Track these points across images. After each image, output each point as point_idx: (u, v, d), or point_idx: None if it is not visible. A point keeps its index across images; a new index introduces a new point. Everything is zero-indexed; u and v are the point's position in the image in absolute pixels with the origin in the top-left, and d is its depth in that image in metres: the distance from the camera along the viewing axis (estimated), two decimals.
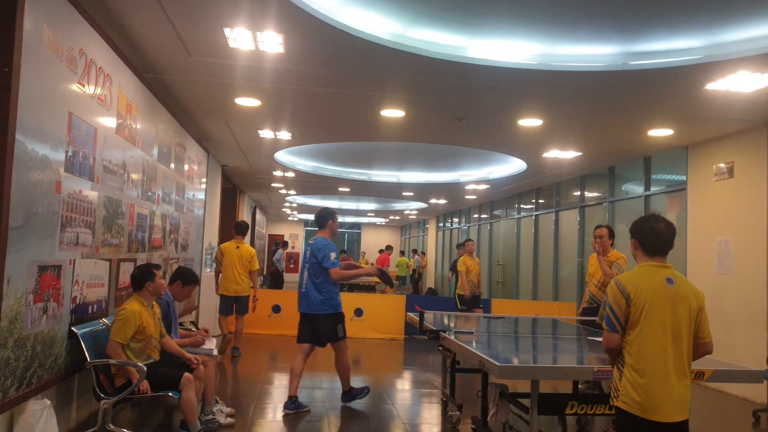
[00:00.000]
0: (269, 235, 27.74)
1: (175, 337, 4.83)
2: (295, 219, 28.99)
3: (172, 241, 6.83)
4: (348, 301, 10.21)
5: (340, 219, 28.30)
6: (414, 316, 5.75)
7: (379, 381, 6.94)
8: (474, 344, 4.11)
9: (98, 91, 4.29)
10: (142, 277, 4.35)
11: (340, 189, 14.77)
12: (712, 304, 6.47)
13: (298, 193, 16.67)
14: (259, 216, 21.41)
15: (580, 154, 8.96)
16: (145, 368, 3.92)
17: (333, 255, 5.31)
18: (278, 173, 12.26)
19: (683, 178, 8.27)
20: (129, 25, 4.60)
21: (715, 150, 7.61)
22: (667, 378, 2.73)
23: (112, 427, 3.90)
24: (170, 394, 4.06)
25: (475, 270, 9.65)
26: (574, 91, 5.82)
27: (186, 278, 4.98)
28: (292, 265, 26.54)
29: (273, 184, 14.25)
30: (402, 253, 25.63)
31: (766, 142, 6.75)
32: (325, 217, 5.61)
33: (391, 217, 25.22)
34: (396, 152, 10.49)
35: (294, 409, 5.22)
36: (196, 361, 4.38)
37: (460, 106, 6.51)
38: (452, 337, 4.41)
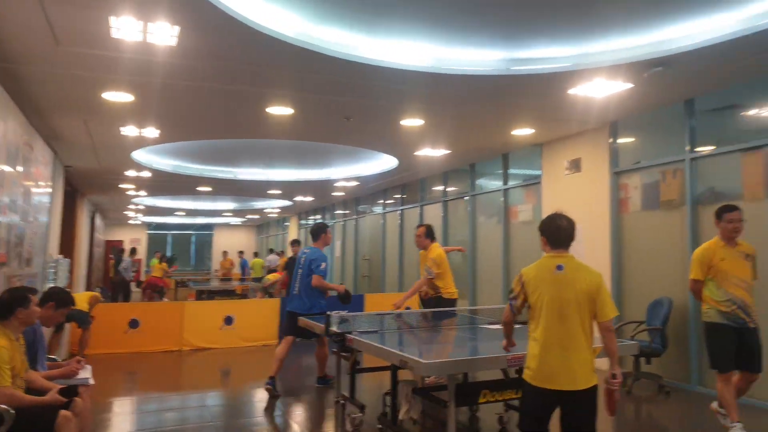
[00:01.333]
0: (106, 241, 25.27)
1: (41, 369, 4.13)
2: (138, 222, 26.81)
3: (16, 256, 5.91)
4: (216, 309, 9.78)
5: (192, 220, 26.60)
6: (308, 321, 5.69)
7: (263, 390, 6.72)
8: (387, 343, 4.15)
9: None
10: (13, 302, 3.64)
11: (199, 188, 13.97)
12: None
13: (149, 194, 15.46)
14: (97, 221, 19.46)
15: (449, 152, 9.45)
16: (14, 412, 3.28)
17: (323, 265, 6.34)
18: (131, 173, 11.26)
19: (538, 172, 9.10)
20: None
21: (565, 147, 8.48)
22: (554, 351, 3.10)
23: None
24: None
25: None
26: (459, 93, 6.12)
27: (60, 300, 4.33)
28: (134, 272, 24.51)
29: (122, 185, 13.05)
30: (255, 254, 24.91)
31: (607, 140, 7.69)
32: (318, 231, 6.64)
33: (249, 217, 24.44)
34: (265, 150, 10.19)
35: (274, 391, 6.16)
36: (60, 400, 3.68)
37: (349, 105, 6.52)
38: (361, 338, 4.41)
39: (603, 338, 3.22)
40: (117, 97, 5.93)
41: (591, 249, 7.85)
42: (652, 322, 6.51)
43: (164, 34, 4.35)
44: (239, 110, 6.69)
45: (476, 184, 10.85)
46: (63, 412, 3.49)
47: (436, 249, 6.61)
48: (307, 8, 4.54)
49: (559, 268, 3.18)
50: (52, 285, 7.46)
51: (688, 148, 6.61)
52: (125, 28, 4.23)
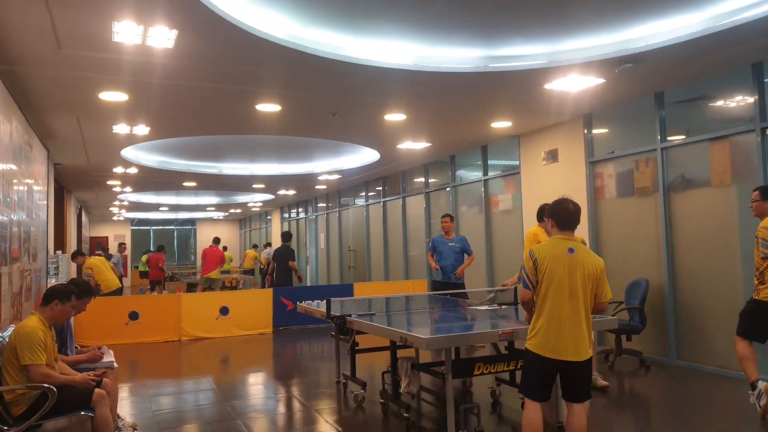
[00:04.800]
0: (90, 237, 25.22)
1: (70, 354, 4.56)
2: (122, 218, 26.77)
3: (26, 251, 6.14)
4: (212, 300, 10.04)
5: (174, 215, 26.40)
6: (308, 306, 5.99)
7: (267, 374, 7.02)
8: (388, 323, 4.47)
9: None
10: (54, 294, 4.02)
11: (185, 184, 14.13)
12: None
13: (135, 190, 15.57)
14: (83, 217, 19.48)
15: (429, 144, 9.76)
16: (56, 390, 3.61)
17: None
18: (119, 170, 11.40)
19: (516, 163, 9.46)
20: None
21: (542, 138, 8.84)
22: (561, 325, 3.38)
23: None
24: (83, 413, 3.81)
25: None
26: (440, 89, 6.43)
27: (80, 291, 4.60)
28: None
29: (109, 182, 13.17)
30: (224, 248, 24.63)
31: (582, 131, 8.07)
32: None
33: (231, 211, 24.55)
34: (249, 144, 10.42)
35: None
36: (93, 379, 4.03)
37: (335, 102, 6.80)
38: (362, 320, 4.73)
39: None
40: (112, 96, 6.14)
41: None
42: (631, 301, 6.84)
43: (162, 37, 4.58)
44: (230, 108, 6.92)
45: (457, 175, 11.19)
46: (98, 390, 3.89)
47: None
48: (295, 11, 4.79)
49: (571, 250, 3.45)
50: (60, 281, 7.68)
51: (659, 138, 7.00)
52: (126, 32, 4.45)
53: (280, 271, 11.40)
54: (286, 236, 11.76)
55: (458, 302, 6.11)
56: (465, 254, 7.75)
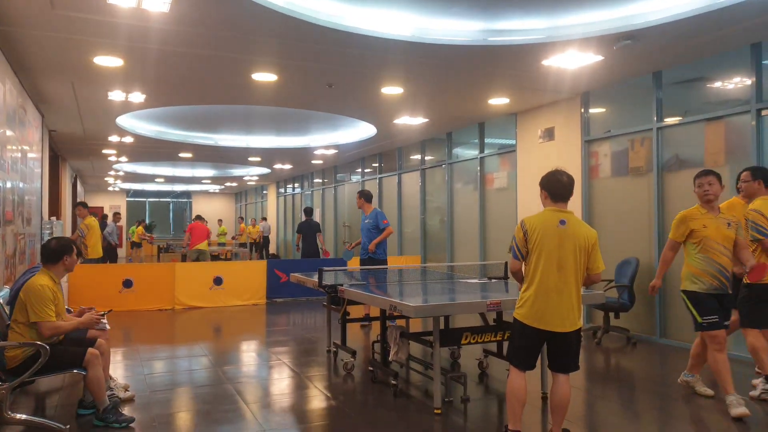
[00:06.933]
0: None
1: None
2: (117, 189, 26.69)
3: (19, 215, 6.16)
4: (206, 270, 10.09)
5: (170, 187, 26.42)
6: (302, 276, 6.04)
7: (259, 342, 7.09)
8: (379, 293, 4.52)
9: None
10: (61, 250, 4.15)
11: (180, 155, 14.07)
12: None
13: (130, 161, 15.51)
14: (78, 187, 19.44)
15: (426, 120, 9.74)
16: (48, 348, 3.67)
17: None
18: (114, 138, 11.34)
19: (512, 141, 9.46)
20: None
21: (539, 116, 8.84)
22: (549, 297, 3.39)
23: (11, 415, 3.63)
24: (75, 371, 3.89)
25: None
26: (438, 62, 6.39)
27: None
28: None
29: (105, 151, 13.11)
30: (220, 221, 24.73)
31: (579, 110, 8.06)
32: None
33: (227, 184, 24.48)
34: (245, 116, 10.36)
35: None
36: (98, 320, 4.25)
37: (332, 73, 6.75)
38: (353, 289, 4.77)
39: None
40: (107, 61, 6.08)
41: None
42: (620, 280, 6.96)
43: (158, 0, 4.53)
44: (226, 76, 6.87)
45: (453, 153, 11.18)
46: (91, 349, 3.95)
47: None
48: None
49: (562, 222, 3.44)
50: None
51: (655, 118, 7.00)
52: None
53: (306, 243, 11.56)
54: (308, 211, 12.06)
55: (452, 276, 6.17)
56: (379, 229, 7.88)
